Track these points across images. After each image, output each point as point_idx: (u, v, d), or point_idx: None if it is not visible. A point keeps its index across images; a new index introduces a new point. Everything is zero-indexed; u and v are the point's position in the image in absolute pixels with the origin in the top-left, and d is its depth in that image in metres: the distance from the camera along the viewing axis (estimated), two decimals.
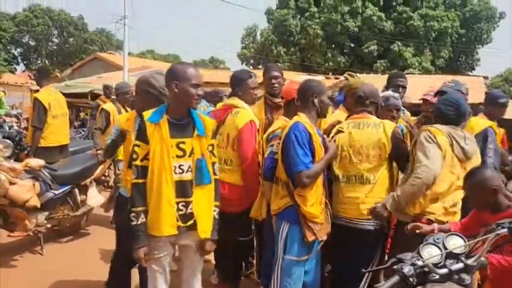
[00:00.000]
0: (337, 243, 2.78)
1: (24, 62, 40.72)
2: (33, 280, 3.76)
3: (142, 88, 2.82)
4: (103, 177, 5.28)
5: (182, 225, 2.37)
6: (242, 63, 29.51)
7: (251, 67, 27.97)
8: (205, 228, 2.42)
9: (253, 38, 30.12)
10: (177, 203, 2.36)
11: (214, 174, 2.50)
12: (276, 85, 3.38)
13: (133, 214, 2.35)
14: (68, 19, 40.26)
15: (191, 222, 2.38)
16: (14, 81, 22.43)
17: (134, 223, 2.35)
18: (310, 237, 2.58)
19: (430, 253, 1.68)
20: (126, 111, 5.04)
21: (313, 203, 2.59)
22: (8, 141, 4.98)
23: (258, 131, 3.19)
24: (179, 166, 2.36)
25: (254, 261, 3.75)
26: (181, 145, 2.37)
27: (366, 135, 2.74)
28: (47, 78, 5.39)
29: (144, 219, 2.35)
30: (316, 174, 2.60)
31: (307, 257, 2.65)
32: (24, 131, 6.46)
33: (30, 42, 40.50)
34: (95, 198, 4.99)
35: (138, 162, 2.36)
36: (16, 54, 40.73)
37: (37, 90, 5.63)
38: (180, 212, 2.37)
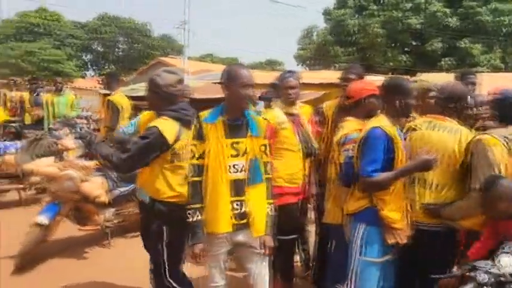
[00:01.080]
0: (411, 248, 2.59)
1: (94, 68, 43.46)
2: (102, 271, 3.99)
3: (149, 87, 2.76)
4: None
5: (238, 222, 2.43)
6: (298, 65, 29.41)
7: (307, 68, 27.79)
8: (260, 226, 2.47)
9: (310, 39, 29.90)
10: (232, 202, 2.42)
11: (267, 173, 2.54)
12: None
13: (189, 211, 2.44)
14: (133, 26, 42.39)
15: (246, 220, 2.45)
16: (84, 85, 23.99)
17: (190, 220, 2.44)
18: (391, 240, 2.47)
19: (507, 262, 1.57)
20: None
21: (393, 208, 2.49)
22: (81, 141, 5.33)
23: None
24: (233, 165, 2.42)
25: (311, 264, 3.72)
26: (235, 145, 2.43)
27: (439, 138, 2.58)
28: (117, 82, 5.75)
29: (200, 217, 2.43)
30: (384, 183, 2.45)
31: (385, 259, 2.53)
32: (94, 132, 6.87)
33: (99, 49, 43.11)
34: None
35: (194, 161, 2.46)
36: (86, 61, 43.54)
37: (107, 94, 5.97)
38: (235, 211, 2.43)
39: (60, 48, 36.37)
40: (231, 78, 2.42)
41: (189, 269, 2.89)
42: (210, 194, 2.42)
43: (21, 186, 5.97)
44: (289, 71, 3.48)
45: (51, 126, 6.84)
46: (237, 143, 2.43)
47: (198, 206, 2.43)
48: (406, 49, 25.40)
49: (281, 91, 3.34)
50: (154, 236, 2.64)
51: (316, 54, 27.54)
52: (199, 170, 2.44)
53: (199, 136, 2.44)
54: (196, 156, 2.44)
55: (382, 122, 2.53)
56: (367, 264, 2.53)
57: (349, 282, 2.59)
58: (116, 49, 43.76)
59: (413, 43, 25.10)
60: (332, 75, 9.60)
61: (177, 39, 38.21)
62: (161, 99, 2.65)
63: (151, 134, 2.53)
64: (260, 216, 2.47)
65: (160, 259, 2.62)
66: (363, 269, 2.54)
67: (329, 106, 3.49)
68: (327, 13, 27.50)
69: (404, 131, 2.72)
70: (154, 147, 2.53)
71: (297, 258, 3.79)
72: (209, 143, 2.42)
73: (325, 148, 3.34)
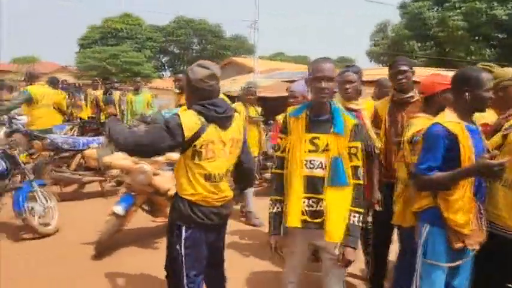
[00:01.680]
0: (486, 254, 2.41)
1: (170, 69, 45.60)
2: None
3: (184, 82, 2.67)
4: None
5: (310, 220, 2.35)
6: (371, 61, 28.49)
7: (381, 64, 26.78)
8: (333, 230, 2.31)
9: (384, 33, 28.80)
10: (307, 198, 2.36)
11: (358, 178, 2.35)
12: (404, 80, 3.14)
13: (270, 202, 2.51)
14: (207, 28, 43.81)
15: (320, 220, 2.33)
16: (161, 85, 25.33)
17: (270, 211, 2.50)
18: (457, 244, 2.30)
19: None
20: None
21: (458, 210, 2.30)
22: None
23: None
24: (310, 161, 2.35)
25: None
26: (315, 140, 2.36)
27: None
28: None
29: (279, 209, 2.47)
30: (438, 183, 2.29)
31: (450, 264, 2.34)
32: None
33: (175, 50, 45.14)
34: None
35: (278, 153, 2.51)
36: (163, 62, 45.86)
37: (181, 93, 6.20)
38: (310, 208, 2.35)
39: (140, 51, 38.62)
40: (308, 73, 2.42)
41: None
42: (287, 187, 2.42)
43: (102, 178, 6.45)
44: (348, 65, 3.38)
45: (129, 123, 7.30)
46: (317, 138, 2.36)
47: (276, 198, 2.47)
48: (491, 42, 23.50)
49: (339, 86, 3.24)
50: (173, 234, 2.52)
51: (390, 49, 26.47)
52: (281, 162, 2.47)
53: (284, 130, 2.47)
54: (281, 149, 2.48)
55: (445, 117, 2.35)
56: (430, 268, 2.37)
57: (413, 285, 2.45)
58: (190, 50, 45.47)
59: (499, 36, 23.15)
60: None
61: (248, 39, 38.87)
62: (192, 93, 2.52)
63: (170, 120, 2.40)
64: (336, 220, 2.31)
65: (178, 260, 2.49)
66: (426, 272, 2.39)
67: (382, 104, 3.32)
68: (403, 6, 26.32)
69: (506, 127, 2.49)
70: (168, 134, 2.34)
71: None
72: (291, 137, 2.42)
73: (384, 148, 3.19)
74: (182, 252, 2.46)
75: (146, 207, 4.66)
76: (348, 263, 2.32)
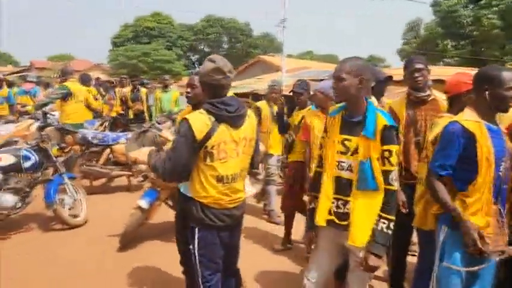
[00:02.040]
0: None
1: (200, 67, 46.14)
2: None
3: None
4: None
5: (337, 222, 2.34)
6: (402, 60, 27.91)
7: None
8: (357, 234, 2.27)
9: (416, 32, 28.16)
10: (336, 199, 2.36)
11: (389, 184, 2.25)
12: (420, 78, 3.09)
13: (309, 198, 2.60)
14: (236, 26, 44.05)
15: (347, 222, 2.31)
16: None
17: (308, 207, 2.59)
18: (473, 249, 2.23)
19: None
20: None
21: (476, 211, 2.26)
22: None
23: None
24: (340, 162, 2.35)
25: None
26: (346, 142, 2.34)
27: None
28: None
29: (314, 206, 2.52)
30: (434, 193, 2.33)
31: (468, 269, 2.28)
32: None
33: (205, 49, 45.64)
34: (248, 188, 5.36)
35: (319, 152, 2.57)
36: (194, 60, 46.44)
37: None
38: (338, 209, 2.35)
39: (171, 49, 39.24)
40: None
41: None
42: (321, 185, 2.44)
43: (130, 173, 6.62)
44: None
45: (156, 119, 7.46)
46: (348, 140, 2.32)
47: (315, 194, 2.51)
48: None
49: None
50: (186, 235, 2.54)
51: (422, 48, 25.86)
52: (321, 161, 2.52)
53: (325, 129, 2.51)
54: (322, 148, 2.52)
55: (464, 115, 2.31)
56: (447, 271, 2.33)
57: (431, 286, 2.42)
58: (220, 49, 45.84)
59: None
60: (440, 72, 8.99)
61: (277, 38, 38.85)
62: (202, 88, 2.51)
63: (181, 128, 2.34)
64: (361, 225, 2.26)
65: (192, 260, 2.51)
66: (442, 276, 2.35)
67: (398, 104, 3.25)
68: (436, 4, 25.65)
69: None
70: (187, 143, 2.31)
71: None
72: (327, 137, 2.45)
73: (403, 148, 3.14)
74: (196, 252, 2.46)
75: (170, 202, 4.77)
76: (369, 269, 2.26)
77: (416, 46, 26.67)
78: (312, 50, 48.20)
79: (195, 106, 3.14)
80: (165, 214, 4.75)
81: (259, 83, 14.34)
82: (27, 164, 4.62)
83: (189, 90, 3.01)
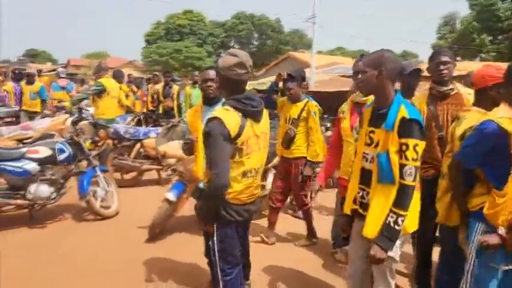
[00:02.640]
0: None
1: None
2: None
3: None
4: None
5: (361, 212, 2.40)
6: None
7: None
8: (370, 226, 2.25)
9: (452, 26, 27.30)
10: (361, 189, 2.41)
11: (402, 178, 2.17)
12: (445, 72, 3.01)
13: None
14: (267, 23, 44.03)
15: (366, 213, 2.33)
16: None
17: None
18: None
19: None
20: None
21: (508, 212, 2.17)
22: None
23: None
24: (365, 154, 2.38)
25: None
26: (371, 134, 2.35)
27: None
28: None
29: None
30: (454, 185, 2.36)
31: (506, 267, 2.21)
32: None
33: (235, 46, 45.84)
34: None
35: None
36: None
37: None
38: (362, 200, 2.40)
39: (202, 46, 39.65)
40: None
41: None
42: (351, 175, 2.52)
43: (160, 167, 6.79)
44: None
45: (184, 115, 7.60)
46: (373, 132, 2.33)
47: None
48: None
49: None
50: (206, 232, 2.58)
51: (457, 43, 25.04)
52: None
53: (360, 121, 2.56)
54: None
55: (498, 113, 2.22)
56: (484, 269, 2.26)
57: (464, 284, 2.36)
58: (251, 45, 45.95)
59: None
60: (476, 67, 8.64)
61: (307, 34, 38.56)
62: (221, 83, 2.48)
63: (215, 128, 2.25)
64: (375, 217, 2.24)
65: (211, 255, 2.54)
66: (479, 273, 2.29)
67: (419, 99, 3.16)
68: None
69: None
70: (226, 142, 2.26)
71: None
72: (361, 128, 2.49)
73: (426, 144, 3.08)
74: (215, 247, 2.49)
75: None
76: (374, 260, 2.22)
77: (452, 41, 25.82)
78: (343, 46, 47.57)
79: (209, 101, 3.15)
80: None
81: None
82: (62, 157, 4.82)
83: (211, 84, 3.03)
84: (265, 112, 2.59)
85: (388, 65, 2.25)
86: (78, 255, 4.07)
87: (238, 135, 2.31)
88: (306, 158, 4.25)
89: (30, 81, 9.45)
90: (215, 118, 2.28)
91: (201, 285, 3.46)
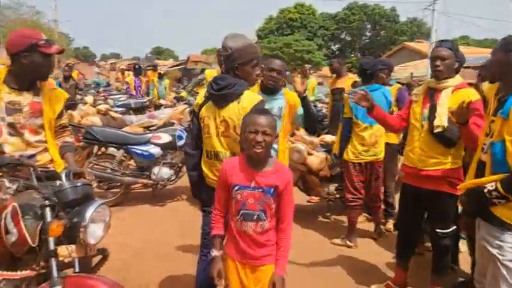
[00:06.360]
0: None
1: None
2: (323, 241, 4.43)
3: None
4: None
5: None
6: None
7: None
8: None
9: None
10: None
11: None
12: None
13: None
14: (381, 12, 42.22)
15: None
16: (329, 74, 25.60)
17: None
18: None
19: None
20: None
21: None
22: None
23: None
24: (483, 145, 2.23)
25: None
26: (491, 124, 2.18)
27: None
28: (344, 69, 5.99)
29: None
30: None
31: None
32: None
33: (346, 38, 44.91)
34: None
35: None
36: (334, 50, 46.09)
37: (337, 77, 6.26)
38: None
39: (312, 39, 39.61)
40: None
41: None
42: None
43: None
44: (443, 40, 2.98)
45: None
46: (493, 121, 2.17)
47: None
48: None
49: (430, 62, 2.94)
50: None
51: None
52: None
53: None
54: None
55: None
56: None
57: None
58: (363, 37, 44.56)
59: None
60: None
61: (426, 23, 36.03)
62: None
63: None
64: None
65: None
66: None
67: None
68: None
69: None
70: None
71: None
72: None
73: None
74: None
75: (301, 185, 4.98)
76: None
77: None
78: (468, 35, 43.38)
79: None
80: (300, 197, 4.98)
81: (401, 72, 13.62)
82: (180, 143, 5.33)
83: (276, 75, 3.04)
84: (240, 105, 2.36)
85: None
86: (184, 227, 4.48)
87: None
88: None
89: (161, 78, 11.31)
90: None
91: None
